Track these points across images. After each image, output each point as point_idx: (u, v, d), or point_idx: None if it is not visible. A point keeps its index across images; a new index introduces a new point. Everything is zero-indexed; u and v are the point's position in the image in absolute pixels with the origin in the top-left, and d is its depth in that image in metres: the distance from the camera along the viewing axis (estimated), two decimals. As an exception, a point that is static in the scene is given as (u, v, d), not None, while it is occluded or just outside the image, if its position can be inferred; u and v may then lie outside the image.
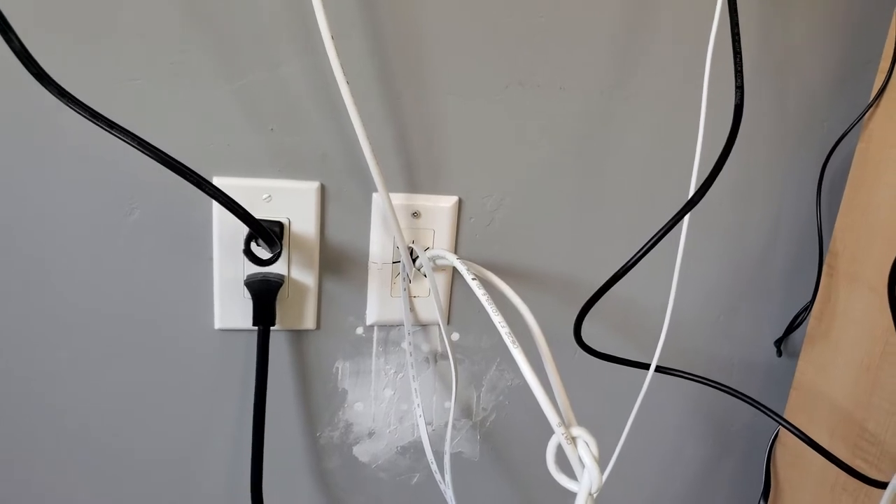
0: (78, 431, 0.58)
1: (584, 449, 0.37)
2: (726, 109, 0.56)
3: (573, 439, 0.37)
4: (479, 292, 0.45)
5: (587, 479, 0.36)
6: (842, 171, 0.64)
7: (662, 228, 0.47)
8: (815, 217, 0.63)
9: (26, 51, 0.37)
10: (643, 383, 0.55)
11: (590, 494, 0.36)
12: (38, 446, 0.58)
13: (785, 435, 0.67)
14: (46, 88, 0.38)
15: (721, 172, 0.60)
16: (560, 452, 0.37)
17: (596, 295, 0.50)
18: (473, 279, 0.47)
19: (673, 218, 0.47)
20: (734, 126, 0.46)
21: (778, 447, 0.67)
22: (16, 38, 0.37)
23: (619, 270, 0.49)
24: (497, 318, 0.42)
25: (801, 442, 0.64)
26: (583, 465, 0.36)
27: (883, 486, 0.52)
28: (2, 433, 0.57)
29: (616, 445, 0.56)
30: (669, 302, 0.53)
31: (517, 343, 0.40)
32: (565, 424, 0.37)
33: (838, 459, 0.52)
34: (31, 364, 0.55)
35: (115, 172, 0.51)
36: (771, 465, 0.68)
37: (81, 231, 0.52)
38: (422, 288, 0.59)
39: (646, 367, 0.56)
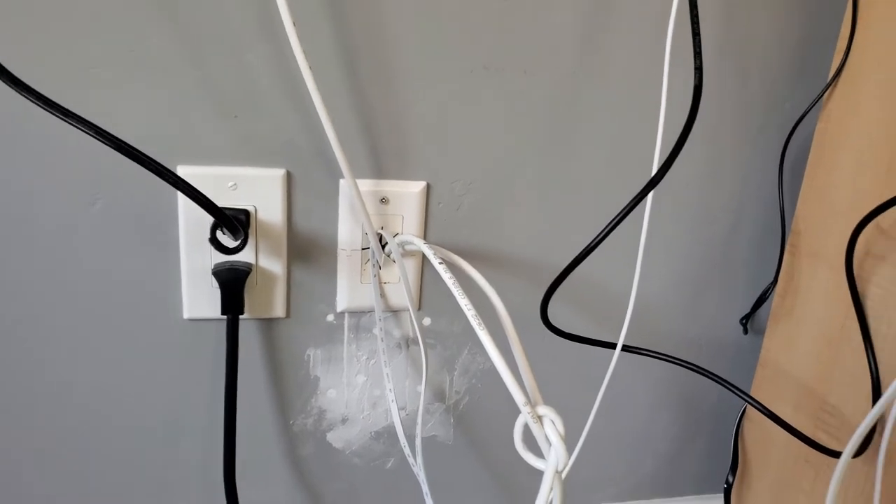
0: (48, 425, 0.58)
1: (551, 427, 0.37)
2: (688, 91, 0.56)
3: (539, 418, 0.38)
4: (446, 276, 0.45)
5: (554, 457, 0.37)
6: (803, 151, 0.65)
7: (625, 208, 0.48)
8: (778, 197, 0.64)
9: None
10: (611, 363, 0.56)
11: (556, 472, 0.37)
12: (8, 436, 0.57)
13: (752, 411, 0.68)
14: None
15: (684, 154, 0.61)
16: (527, 432, 0.38)
17: (561, 276, 0.51)
18: (440, 263, 0.47)
19: (635, 197, 0.48)
20: (693, 107, 0.47)
21: (745, 423, 0.69)
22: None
23: (582, 251, 0.50)
24: (463, 301, 0.42)
25: (765, 418, 0.66)
26: (549, 444, 0.37)
27: (839, 455, 0.53)
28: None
29: (585, 425, 0.57)
30: (634, 282, 0.54)
31: (483, 325, 0.40)
32: (531, 404, 0.38)
33: (799, 432, 0.53)
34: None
35: (76, 162, 0.50)
36: (739, 440, 0.69)
37: (44, 222, 0.51)
38: (392, 274, 0.59)
39: (612, 346, 0.56)
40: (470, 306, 0.42)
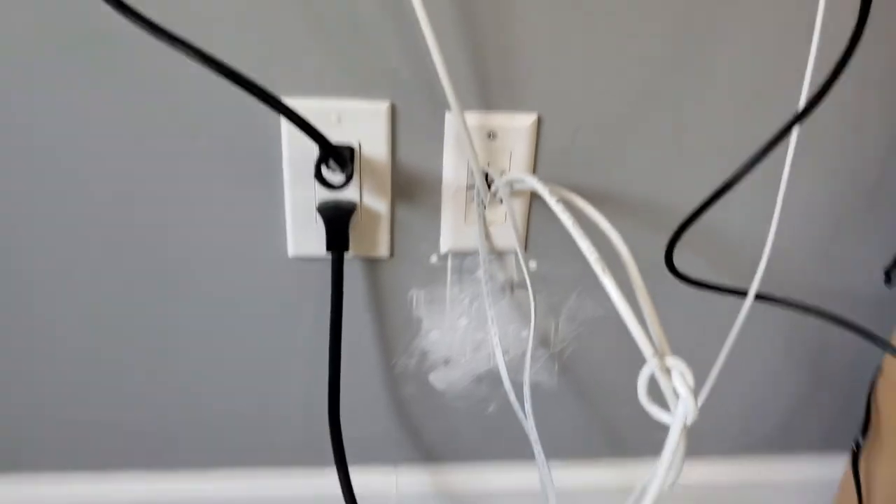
0: (154, 364, 0.59)
1: (679, 380, 0.34)
2: (845, 14, 0.49)
3: (667, 370, 0.35)
4: (564, 216, 0.42)
5: (682, 411, 0.34)
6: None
7: (766, 145, 0.43)
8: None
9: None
10: (738, 313, 0.51)
11: (684, 426, 0.34)
12: (127, 391, 0.60)
13: (890, 367, 0.62)
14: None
15: (833, 88, 0.54)
16: (652, 383, 0.35)
17: (690, 218, 0.46)
18: (557, 202, 0.43)
19: (779, 132, 0.42)
20: (860, 21, 0.40)
21: (881, 381, 0.63)
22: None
23: (716, 191, 0.45)
24: (585, 244, 0.39)
25: (907, 376, 0.60)
26: (677, 396, 0.34)
27: None
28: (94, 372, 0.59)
29: (707, 377, 0.53)
30: (772, 225, 0.49)
31: (607, 270, 0.37)
32: (659, 354, 0.35)
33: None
34: (103, 293, 0.56)
35: (179, 93, 0.49)
36: (872, 400, 0.64)
37: (146, 157, 0.51)
38: (498, 214, 0.56)
39: (743, 294, 0.52)
40: (593, 250, 0.38)
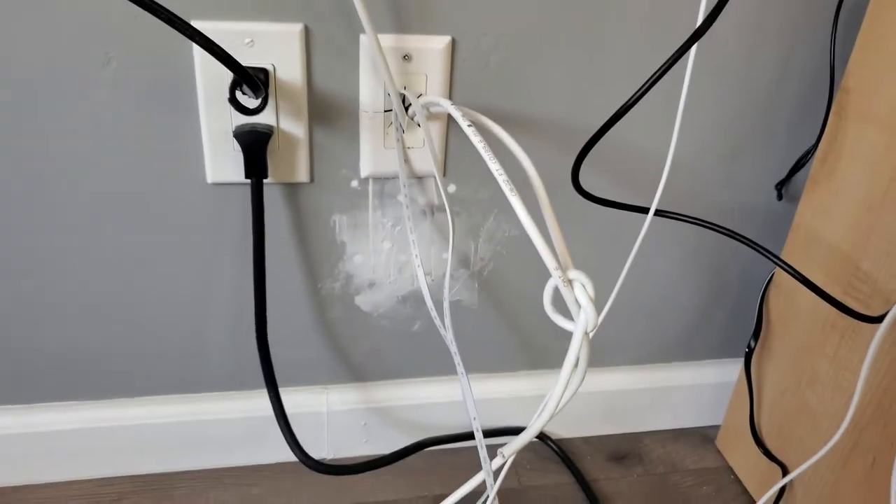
0: (81, 297, 0.59)
1: (581, 291, 0.37)
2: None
3: (570, 282, 0.37)
4: (476, 139, 0.44)
5: (583, 319, 0.37)
6: (860, 6, 0.60)
7: (665, 63, 0.45)
8: (829, 54, 0.60)
9: None
10: (641, 228, 0.54)
11: (585, 334, 0.37)
12: (47, 312, 0.59)
13: (779, 277, 0.67)
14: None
15: (730, 6, 0.56)
16: (557, 295, 0.37)
17: (594, 138, 0.49)
18: (469, 126, 0.45)
19: (677, 51, 0.44)
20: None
21: (771, 289, 0.69)
22: None
23: (617, 111, 0.47)
24: (494, 166, 0.41)
25: (794, 283, 0.65)
26: (579, 306, 0.37)
27: (871, 320, 0.53)
28: (8, 285, 0.58)
29: (612, 288, 0.57)
30: (671, 144, 0.52)
31: (515, 190, 0.39)
32: (562, 268, 0.37)
33: (829, 295, 0.53)
34: (22, 230, 0.55)
35: (87, 17, 0.48)
36: (764, 307, 0.69)
37: (57, 84, 0.49)
38: (416, 138, 0.57)
39: (645, 210, 0.55)
40: (501, 171, 0.40)
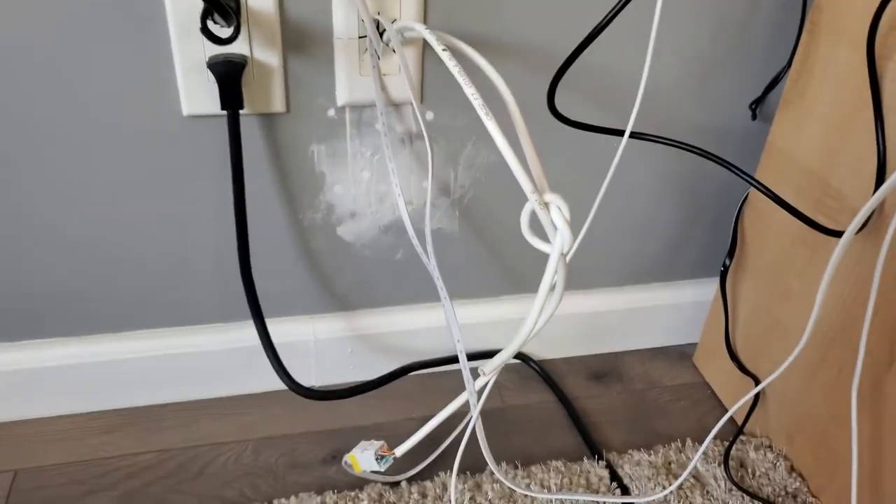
0: (62, 233, 0.59)
1: (557, 213, 0.38)
2: None
3: (546, 205, 0.38)
4: (451, 63, 0.44)
5: (559, 241, 0.38)
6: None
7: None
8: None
9: None
10: (618, 151, 0.55)
11: (561, 255, 0.38)
12: (28, 249, 0.59)
13: (753, 196, 0.69)
14: None
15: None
16: (534, 218, 0.38)
17: (568, 61, 0.49)
18: (444, 50, 0.45)
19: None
20: None
21: (746, 209, 0.70)
22: None
23: (590, 33, 0.47)
24: (470, 90, 0.41)
25: (768, 202, 0.66)
26: (555, 228, 0.38)
27: (837, 234, 0.55)
28: (-14, 230, 0.58)
29: (590, 212, 0.58)
30: (645, 66, 0.52)
31: (490, 114, 0.39)
32: (538, 191, 0.38)
33: (799, 212, 0.54)
34: (-1, 161, 0.54)
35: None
36: (738, 227, 0.71)
37: (26, 16, 0.48)
38: (392, 65, 0.56)
39: (620, 133, 0.56)
40: (476, 95, 0.40)
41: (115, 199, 0.58)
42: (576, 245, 0.58)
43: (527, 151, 0.41)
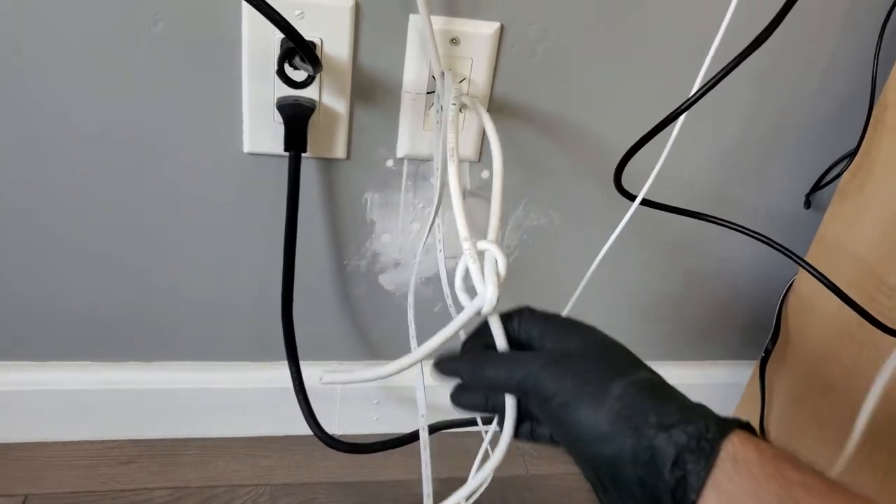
0: (108, 257, 0.59)
1: (491, 264, 0.37)
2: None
3: (480, 254, 0.37)
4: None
5: (479, 299, 0.37)
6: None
7: (720, 72, 0.45)
8: (872, 67, 0.60)
9: None
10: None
11: (477, 314, 0.37)
12: (71, 270, 0.59)
13: (800, 283, 0.68)
14: None
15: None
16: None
17: (643, 139, 0.49)
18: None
19: (734, 60, 0.44)
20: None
21: (791, 296, 0.69)
22: None
23: (670, 114, 0.47)
24: (451, 136, 0.43)
25: (814, 291, 0.65)
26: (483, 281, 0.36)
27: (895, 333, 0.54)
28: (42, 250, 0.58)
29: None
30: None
31: (456, 158, 0.41)
32: (472, 238, 0.37)
33: (858, 305, 0.53)
34: (55, 188, 0.54)
35: (138, -22, 0.47)
36: (782, 313, 0.70)
37: (101, 44, 0.49)
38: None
39: (681, 212, 0.55)
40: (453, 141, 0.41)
41: (165, 227, 0.58)
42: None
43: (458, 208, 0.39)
